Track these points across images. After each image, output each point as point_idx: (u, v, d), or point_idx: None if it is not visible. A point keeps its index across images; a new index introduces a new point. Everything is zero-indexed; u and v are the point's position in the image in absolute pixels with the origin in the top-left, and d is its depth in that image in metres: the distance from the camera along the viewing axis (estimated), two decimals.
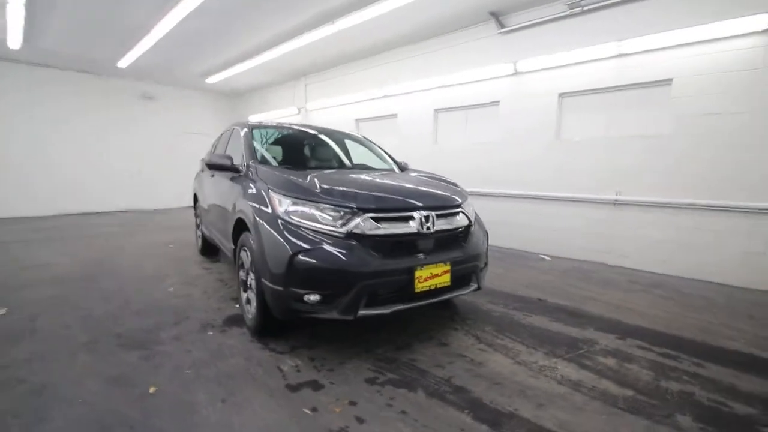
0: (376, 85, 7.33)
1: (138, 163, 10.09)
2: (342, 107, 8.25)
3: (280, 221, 2.32)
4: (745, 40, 3.82)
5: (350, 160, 3.80)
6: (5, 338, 2.61)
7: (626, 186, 4.67)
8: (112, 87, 9.58)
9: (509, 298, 3.55)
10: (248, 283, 2.72)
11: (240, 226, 2.84)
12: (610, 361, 2.43)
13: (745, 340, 2.75)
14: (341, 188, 2.50)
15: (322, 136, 3.94)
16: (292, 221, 2.30)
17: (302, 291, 2.20)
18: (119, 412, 1.84)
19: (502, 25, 5.52)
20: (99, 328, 2.78)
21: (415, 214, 2.43)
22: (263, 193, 2.53)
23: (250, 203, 2.58)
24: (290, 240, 2.23)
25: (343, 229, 2.26)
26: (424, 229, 2.43)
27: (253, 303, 2.64)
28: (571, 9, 4.85)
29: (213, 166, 3.27)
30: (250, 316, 2.70)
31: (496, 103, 5.81)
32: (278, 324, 2.59)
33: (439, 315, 3.12)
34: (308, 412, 1.87)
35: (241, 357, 2.40)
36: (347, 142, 4.05)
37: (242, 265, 2.85)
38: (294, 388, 2.07)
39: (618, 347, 2.62)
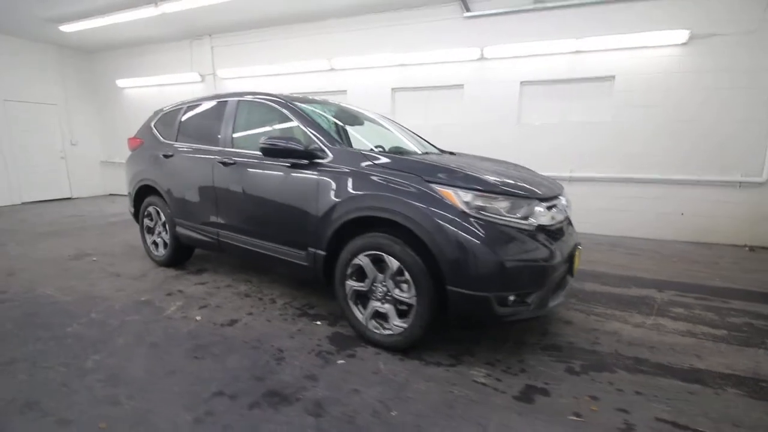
0: (321, 56, 6.62)
1: None
2: (271, 78, 7.19)
3: (468, 219, 2.00)
4: (670, 50, 4.94)
5: (400, 143, 3.45)
6: None
7: (578, 164, 5.57)
8: None
9: None
10: (380, 293, 2.28)
11: (349, 229, 2.34)
12: (680, 310, 2.99)
13: (719, 278, 3.75)
14: (506, 178, 2.30)
15: (362, 116, 3.47)
16: (482, 218, 2.02)
17: (508, 293, 2.00)
18: None
19: (468, 9, 5.69)
20: (177, 393, 1.92)
21: (560, 201, 2.45)
22: (422, 188, 2.11)
23: (410, 201, 2.11)
24: (491, 239, 1.96)
25: (530, 221, 2.11)
26: (567, 215, 2.49)
27: (394, 316, 2.25)
28: (535, 3, 5.34)
29: (273, 152, 2.52)
30: (386, 332, 2.29)
31: (460, 86, 6.02)
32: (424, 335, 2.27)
33: None
34: (576, 419, 1.76)
35: (420, 380, 2.04)
36: (373, 122, 3.64)
37: (353, 274, 2.36)
38: (524, 399, 1.90)
39: (669, 298, 3.23)
